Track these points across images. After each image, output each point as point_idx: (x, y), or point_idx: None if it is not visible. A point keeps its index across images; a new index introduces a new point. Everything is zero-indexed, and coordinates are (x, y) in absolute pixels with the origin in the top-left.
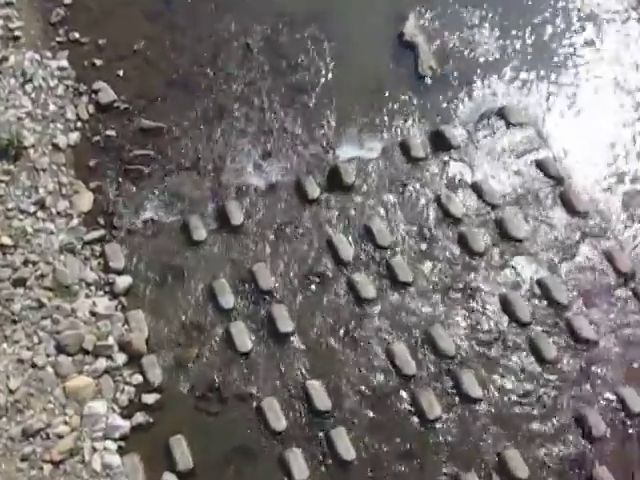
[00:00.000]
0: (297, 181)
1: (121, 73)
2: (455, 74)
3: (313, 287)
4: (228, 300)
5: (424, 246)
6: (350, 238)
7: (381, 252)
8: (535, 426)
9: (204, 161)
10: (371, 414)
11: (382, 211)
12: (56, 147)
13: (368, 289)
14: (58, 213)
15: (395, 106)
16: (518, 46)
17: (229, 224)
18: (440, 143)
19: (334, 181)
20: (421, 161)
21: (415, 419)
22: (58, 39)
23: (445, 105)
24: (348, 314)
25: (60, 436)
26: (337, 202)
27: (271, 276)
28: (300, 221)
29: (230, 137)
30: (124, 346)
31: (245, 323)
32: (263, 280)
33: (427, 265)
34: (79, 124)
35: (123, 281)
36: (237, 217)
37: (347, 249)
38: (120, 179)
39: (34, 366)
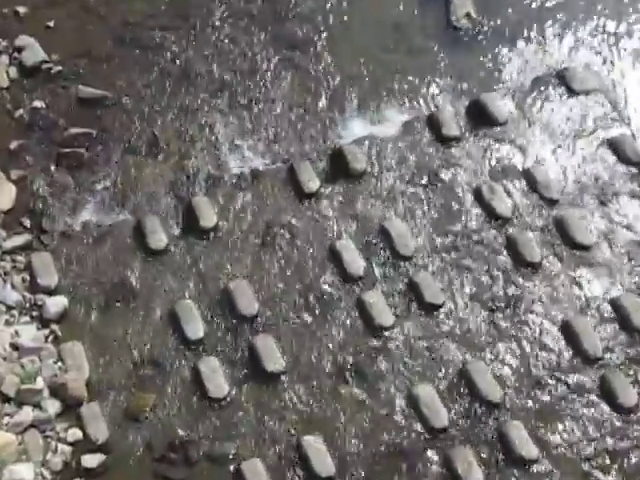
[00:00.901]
0: (289, 169)
1: (52, 24)
2: (500, 24)
3: (311, 311)
4: (196, 329)
5: (459, 255)
6: (360, 245)
7: (402, 264)
8: None
9: (164, 142)
10: None
11: (403, 209)
12: None
13: (384, 313)
14: None
15: (420, 68)
16: None
17: (198, 227)
18: (480, 117)
19: (338, 169)
20: (455, 141)
21: None
22: None
23: (487, 66)
24: (357, 347)
25: None
26: (343, 197)
27: (254, 297)
28: (293, 223)
29: (199, 110)
30: (57, 390)
31: (219, 359)
32: (244, 302)
33: (463, 281)
34: None
35: (56, 303)
36: (208, 217)
37: (356, 260)
38: (52, 167)
39: None
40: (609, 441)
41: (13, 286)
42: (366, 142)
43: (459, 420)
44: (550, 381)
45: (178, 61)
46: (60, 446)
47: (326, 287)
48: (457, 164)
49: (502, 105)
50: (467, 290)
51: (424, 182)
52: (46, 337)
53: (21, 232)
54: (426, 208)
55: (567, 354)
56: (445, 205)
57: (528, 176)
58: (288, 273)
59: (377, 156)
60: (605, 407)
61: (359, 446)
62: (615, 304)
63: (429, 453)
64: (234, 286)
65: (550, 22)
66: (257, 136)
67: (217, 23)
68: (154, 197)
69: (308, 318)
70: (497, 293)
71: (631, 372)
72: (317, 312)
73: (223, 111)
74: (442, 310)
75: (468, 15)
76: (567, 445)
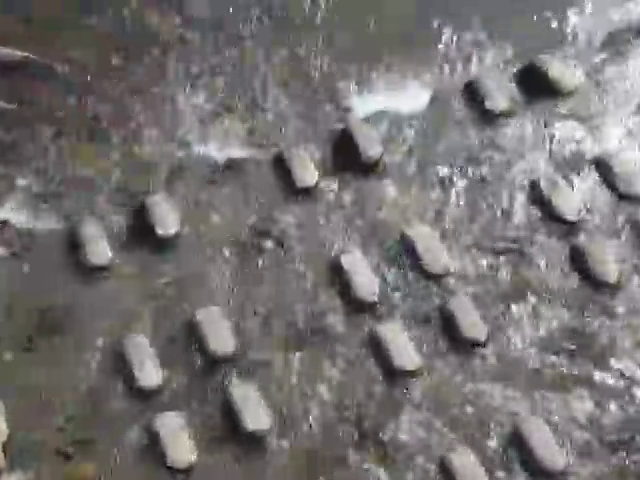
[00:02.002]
0: (278, 156)
1: None
2: None
3: (306, 349)
4: (151, 374)
5: (509, 273)
6: (374, 260)
7: (430, 285)
8: None
9: (107, 120)
10: None
11: (432, 210)
12: None
13: (407, 353)
14: None
15: (455, 21)
16: None
17: (153, 236)
18: (537, 87)
19: (344, 156)
20: (503, 119)
21: None
22: None
23: (544, 19)
24: (371, 397)
25: None
26: (350, 194)
27: (230, 330)
28: (283, 230)
29: (157, 78)
30: None
31: (183, 416)
32: (215, 338)
33: (515, 308)
34: None
35: None
36: (168, 223)
37: (368, 280)
38: None
39: None
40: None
41: None
42: (382, 120)
43: None
44: (628, 444)
45: (126, 12)
46: None
47: (327, 317)
48: (505, 149)
49: (566, 71)
50: (520, 320)
51: (460, 174)
52: None
53: None
54: (463, 209)
55: None
56: (489, 205)
57: (601, 166)
58: (275, 298)
59: (396, 139)
60: None
61: None
62: None
63: None
64: (203, 316)
65: None
66: (234, 113)
67: None
68: (94, 195)
69: (303, 357)
70: (560, 324)
71: None
72: (314, 350)
73: (189, 81)
74: (486, 349)
75: None
76: None
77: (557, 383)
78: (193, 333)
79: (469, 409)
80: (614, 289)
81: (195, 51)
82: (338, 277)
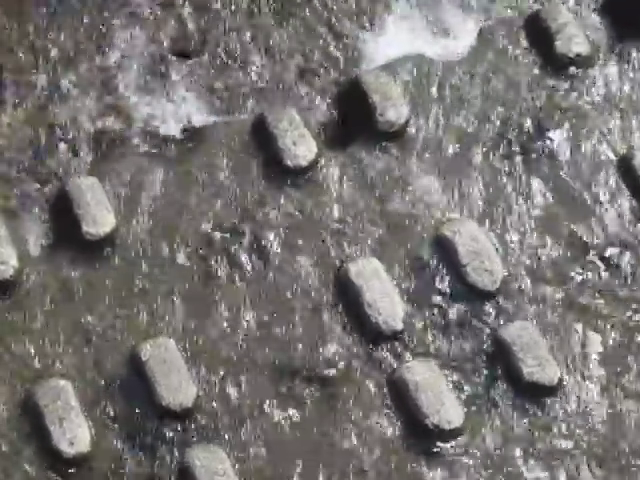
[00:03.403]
0: (258, 122)
1: None
2: None
3: (298, 405)
4: (78, 434)
5: (587, 288)
6: (396, 271)
7: (477, 306)
8: None
9: (14, 74)
10: None
11: (480, 200)
12: None
13: (444, 403)
14: None
15: None
16: None
17: (79, 235)
18: (627, 24)
19: (354, 121)
20: (580, 68)
21: None
22: None
23: None
24: (394, 470)
25: None
26: (360, 176)
27: (187, 375)
28: (264, 226)
29: (87, 16)
30: None
31: None
32: (166, 385)
33: (594, 336)
34: None
35: None
36: (99, 217)
37: (388, 299)
38: None
39: None
40: None
41: None
42: (408, 69)
43: None
44: None
45: None
46: None
47: (328, 356)
48: (584, 110)
49: None
50: (604, 352)
51: (518, 146)
52: None
53: None
54: (525, 196)
55: None
56: (560, 190)
57: None
58: (252, 328)
59: (428, 96)
60: None
61: None
62: None
63: None
64: (149, 352)
65: None
66: (198, 59)
67: None
68: None
69: (293, 417)
70: None
71: None
72: (309, 407)
73: (135, 15)
74: (557, 396)
75: None
76: None
77: None
78: (135, 376)
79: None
80: None
81: None
82: (344, 297)
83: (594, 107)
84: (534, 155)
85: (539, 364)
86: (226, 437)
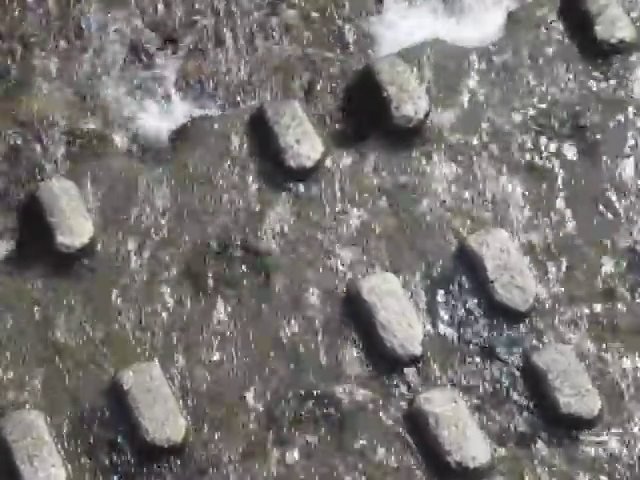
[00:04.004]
0: (256, 117)
1: None
2: None
3: (302, 441)
4: (46, 473)
5: (628, 307)
6: (413, 286)
7: (506, 328)
8: None
9: None
10: None
11: (509, 203)
12: None
13: (469, 439)
14: None
15: None
16: None
17: (52, 246)
18: None
19: (367, 116)
20: (625, 53)
21: None
22: None
23: None
24: None
25: None
26: (374, 178)
27: (176, 405)
28: (264, 236)
29: None
30: None
31: None
32: (150, 417)
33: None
34: None
35: None
36: (76, 226)
37: (405, 320)
38: None
39: None
40: None
41: None
42: (426, 56)
43: None
44: None
45: None
46: None
47: (339, 380)
48: (627, 100)
49: None
50: None
51: (556, 140)
52: None
53: None
54: (561, 200)
55: None
56: (596, 192)
57: None
58: (249, 354)
59: (451, 87)
60: None
61: None
62: None
63: None
64: (131, 380)
65: None
66: (185, 45)
67: None
68: None
69: (298, 450)
70: None
71: None
72: (319, 437)
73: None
74: (598, 429)
75: None
76: None
77: None
78: (116, 407)
79: None
80: None
81: None
82: (354, 317)
83: (637, 93)
84: (571, 152)
85: (577, 393)
86: (224, 474)
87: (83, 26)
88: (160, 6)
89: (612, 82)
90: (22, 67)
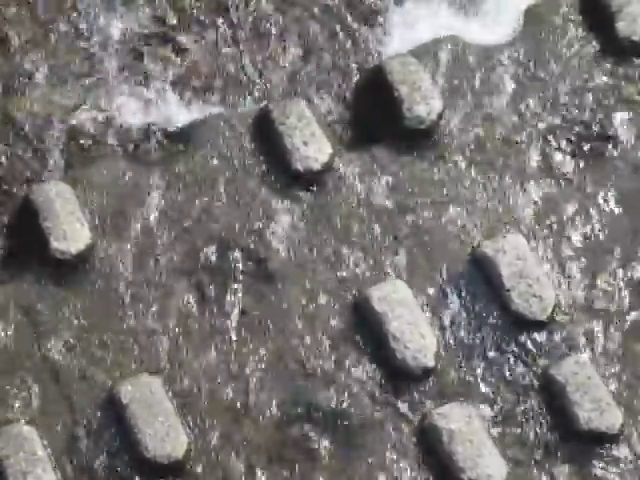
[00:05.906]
0: (260, 117)
1: None
2: None
3: (316, 448)
4: None
5: None
6: (426, 295)
7: (525, 337)
8: None
9: None
10: None
11: (526, 208)
12: None
13: (485, 455)
14: None
15: None
16: None
17: (47, 251)
18: None
19: (377, 116)
20: None
21: None
22: None
23: None
24: None
25: None
26: (384, 182)
27: (178, 419)
28: (268, 242)
29: None
30: None
31: None
32: (151, 432)
33: None
34: None
35: None
36: (72, 232)
37: (417, 331)
38: None
39: None
40: None
41: None
42: (442, 55)
43: None
44: None
45: None
46: None
47: (348, 393)
48: None
49: None
50: None
51: (574, 143)
52: None
53: None
54: (582, 204)
55: None
56: (622, 196)
57: None
58: (253, 365)
59: (465, 86)
60: None
61: None
62: None
63: None
64: (130, 394)
65: None
66: (186, 43)
67: None
68: None
69: (303, 467)
70: None
71: None
72: (327, 452)
73: None
74: (619, 445)
75: None
76: None
77: None
78: (114, 422)
79: None
80: None
81: None
82: (364, 327)
83: None
84: (591, 155)
85: (598, 408)
86: None
87: (81, 26)
88: (160, 6)
89: (634, 81)
90: (17, 68)
